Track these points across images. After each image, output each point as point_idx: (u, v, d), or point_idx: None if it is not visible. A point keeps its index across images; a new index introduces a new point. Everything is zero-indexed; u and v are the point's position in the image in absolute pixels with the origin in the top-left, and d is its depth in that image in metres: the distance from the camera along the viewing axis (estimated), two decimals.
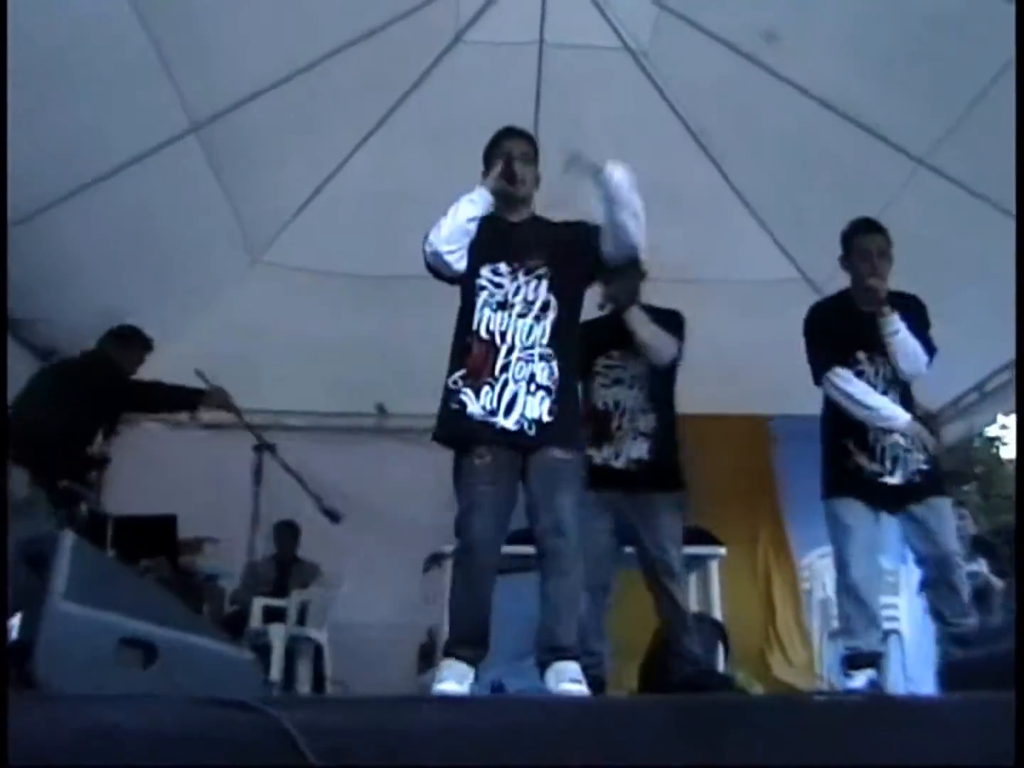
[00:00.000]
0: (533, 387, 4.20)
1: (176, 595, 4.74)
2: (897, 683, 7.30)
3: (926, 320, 5.64)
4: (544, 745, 2.25)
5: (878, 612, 5.31)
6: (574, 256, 4.42)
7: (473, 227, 4.36)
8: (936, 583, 5.19)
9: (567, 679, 3.93)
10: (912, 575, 8.14)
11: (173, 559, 7.14)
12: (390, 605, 8.19)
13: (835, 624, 7.37)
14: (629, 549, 5.69)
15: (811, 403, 7.24)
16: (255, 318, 8.15)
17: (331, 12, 5.96)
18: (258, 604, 7.55)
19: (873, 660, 5.21)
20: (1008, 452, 23.91)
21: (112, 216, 6.47)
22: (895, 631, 7.45)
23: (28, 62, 5.07)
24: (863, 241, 5.51)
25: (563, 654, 4.02)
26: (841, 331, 5.45)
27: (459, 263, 4.35)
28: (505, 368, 4.19)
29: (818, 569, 7.73)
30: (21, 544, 2.68)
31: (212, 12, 5.14)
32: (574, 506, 4.13)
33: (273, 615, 7.43)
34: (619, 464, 5.50)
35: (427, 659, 7.57)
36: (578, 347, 4.48)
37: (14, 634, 2.39)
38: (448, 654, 4.12)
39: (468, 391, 4.19)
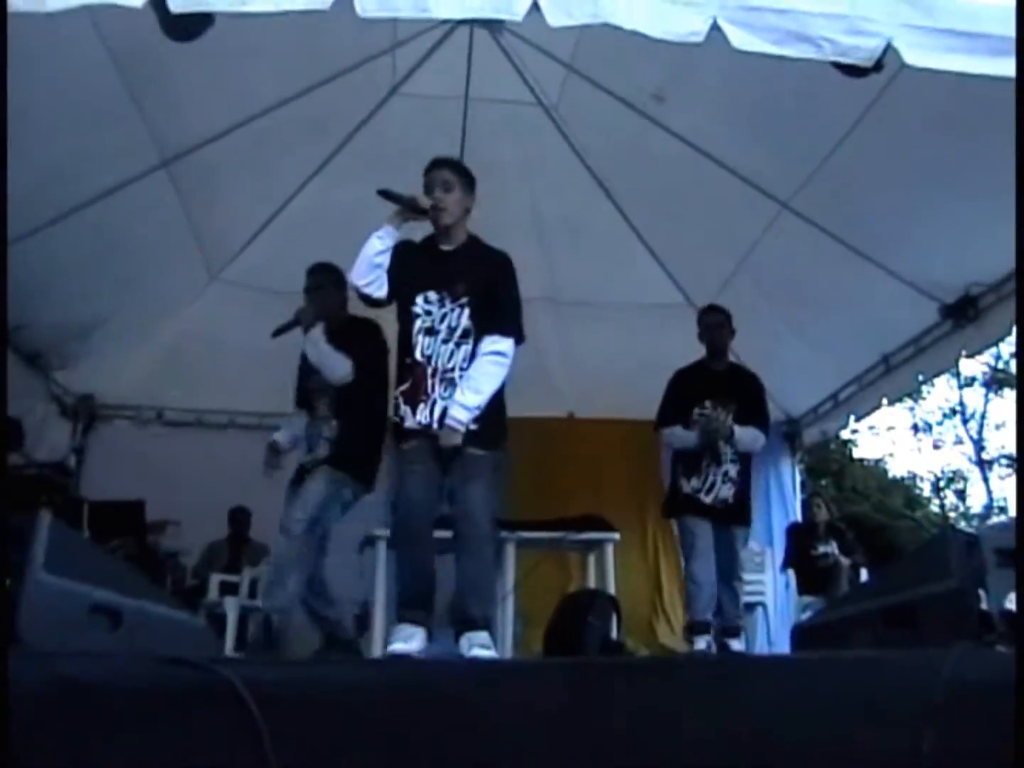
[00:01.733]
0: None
1: (142, 570, 4.74)
2: (763, 646, 7.44)
3: (762, 396, 6.33)
4: (463, 700, 2.29)
5: (713, 593, 5.86)
6: (492, 287, 4.32)
7: (384, 259, 4.24)
8: (727, 584, 5.90)
9: (477, 644, 3.96)
10: (776, 556, 8.34)
11: (141, 538, 7.10)
12: (330, 580, 8.14)
13: None
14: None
15: None
16: (212, 329, 8.12)
17: (285, 64, 5.94)
18: (215, 579, 7.56)
19: (707, 628, 5.83)
20: (858, 452, 24.49)
21: (89, 237, 6.39)
22: (761, 604, 7.59)
23: (18, 101, 5.02)
24: (707, 319, 6.35)
25: (475, 625, 4.04)
26: (690, 389, 6.21)
27: (379, 291, 4.27)
28: (433, 388, 4.19)
29: None
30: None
31: (179, 60, 5.07)
32: (484, 497, 4.11)
33: (228, 589, 7.42)
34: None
35: (361, 626, 7.56)
36: None
37: None
38: (399, 619, 4.12)
39: (407, 408, 4.22)
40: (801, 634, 3.91)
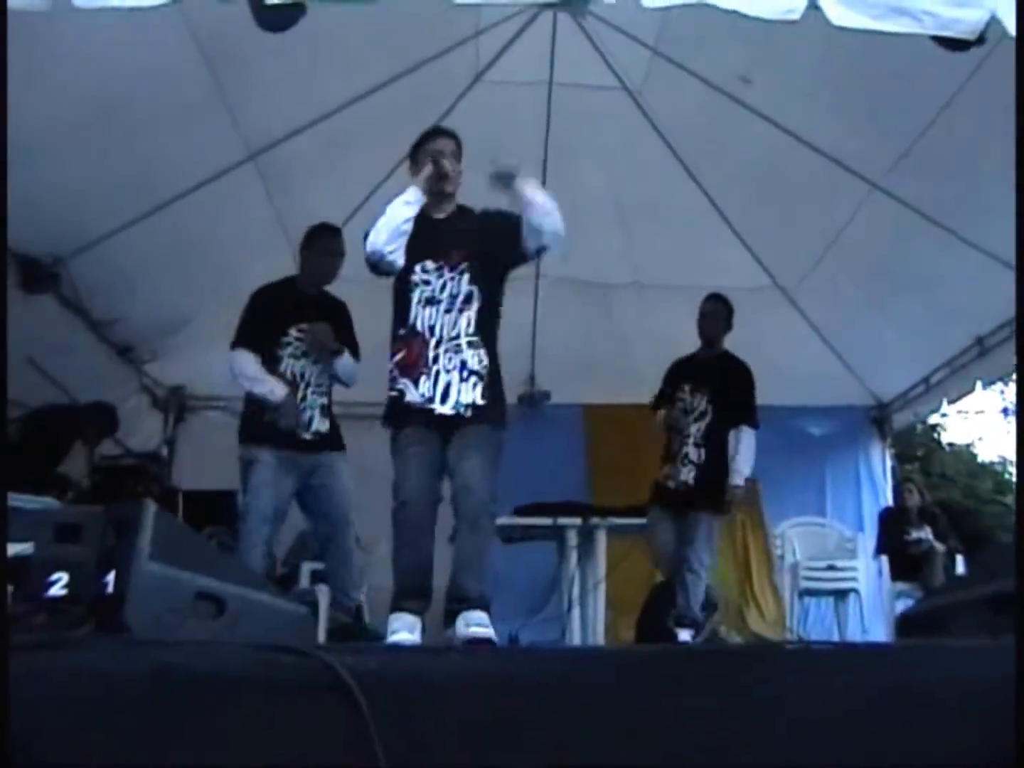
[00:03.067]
0: (465, 374, 4.07)
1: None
2: (856, 633, 7.33)
3: (747, 387, 6.22)
4: (562, 687, 2.27)
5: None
6: (494, 247, 4.23)
7: (409, 227, 4.13)
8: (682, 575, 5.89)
9: (475, 624, 3.79)
10: (868, 542, 8.21)
11: (233, 527, 7.18)
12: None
13: (803, 585, 7.42)
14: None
15: (788, 394, 7.28)
16: None
17: (368, 55, 5.95)
18: (306, 568, 7.59)
19: (695, 623, 5.85)
20: (946, 436, 23.99)
21: (179, 231, 6.49)
22: (854, 590, 7.48)
23: (109, 99, 5.10)
24: (704, 307, 6.42)
25: (471, 603, 3.85)
26: (678, 376, 6.39)
27: (400, 260, 4.14)
28: (436, 359, 4.05)
29: (788, 537, 7.76)
30: (105, 511, 2.69)
31: (264, 55, 5.12)
32: (484, 470, 3.96)
33: (319, 577, 7.45)
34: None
35: (451, 615, 7.60)
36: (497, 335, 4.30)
37: (108, 588, 2.42)
38: (396, 608, 3.97)
39: (406, 380, 4.08)
40: (906, 622, 3.83)
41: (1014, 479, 25.59)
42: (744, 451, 6.01)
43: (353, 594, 5.44)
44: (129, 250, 6.29)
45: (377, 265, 4.18)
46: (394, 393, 4.13)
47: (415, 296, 4.13)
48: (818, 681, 2.30)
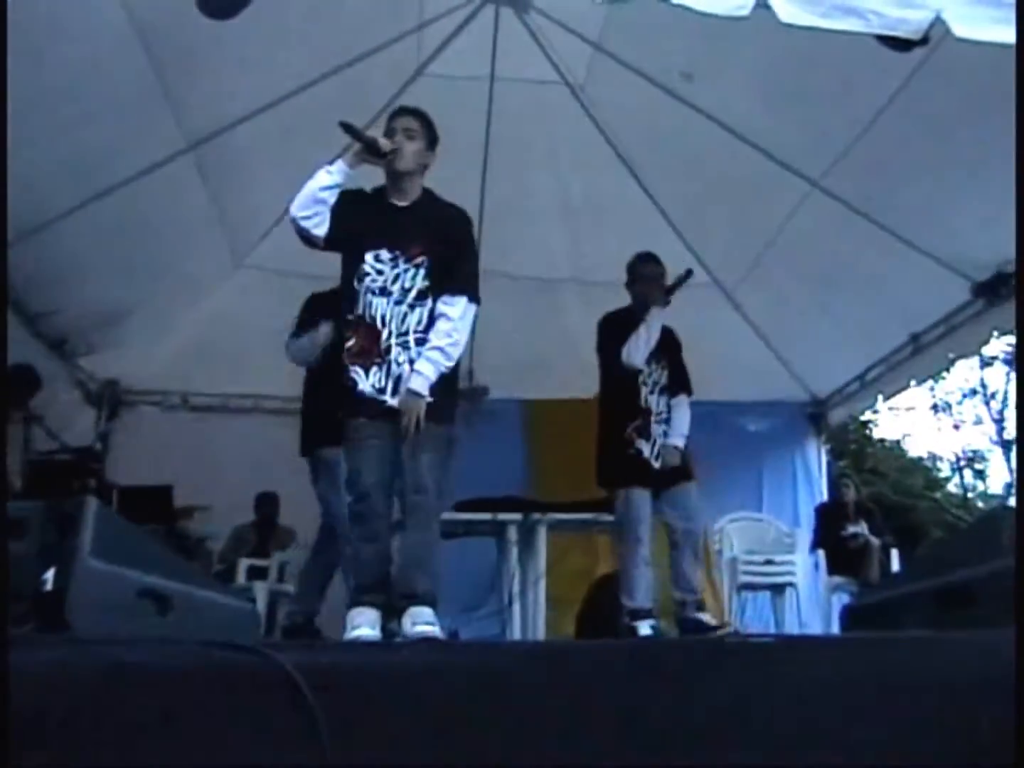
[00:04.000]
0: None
1: None
2: (793, 627, 7.41)
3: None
4: (510, 683, 2.27)
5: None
6: (450, 245, 4.09)
7: (329, 196, 3.93)
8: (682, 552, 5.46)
9: (422, 622, 3.72)
10: (804, 537, 8.30)
11: (170, 524, 7.10)
12: None
13: (741, 579, 7.48)
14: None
15: (726, 390, 7.32)
16: (237, 313, 8.07)
17: (310, 46, 5.90)
18: (243, 564, 7.54)
19: (650, 614, 5.39)
20: (877, 432, 24.38)
21: (116, 223, 6.38)
22: (791, 584, 7.55)
23: (43, 87, 5.00)
24: (645, 269, 5.72)
25: (418, 600, 3.79)
26: (624, 336, 5.52)
27: (317, 229, 3.94)
28: (388, 351, 3.97)
29: (728, 532, 7.81)
30: (46, 507, 2.63)
31: (206, 43, 5.05)
32: (433, 467, 3.89)
33: (256, 573, 7.41)
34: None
35: (398, 611, 7.57)
36: None
37: (48, 585, 2.37)
38: (357, 603, 3.89)
39: (358, 369, 3.99)
40: (852, 615, 3.88)
41: (943, 475, 26.15)
42: (685, 416, 5.67)
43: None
44: (66, 241, 6.18)
45: (299, 233, 4.02)
46: (347, 383, 4.01)
47: (364, 284, 4.02)
48: (769, 674, 2.32)
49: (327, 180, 3.95)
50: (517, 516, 5.99)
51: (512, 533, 6.02)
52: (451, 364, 3.99)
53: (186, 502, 7.54)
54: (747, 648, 2.78)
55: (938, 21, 3.17)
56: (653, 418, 5.43)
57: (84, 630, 2.35)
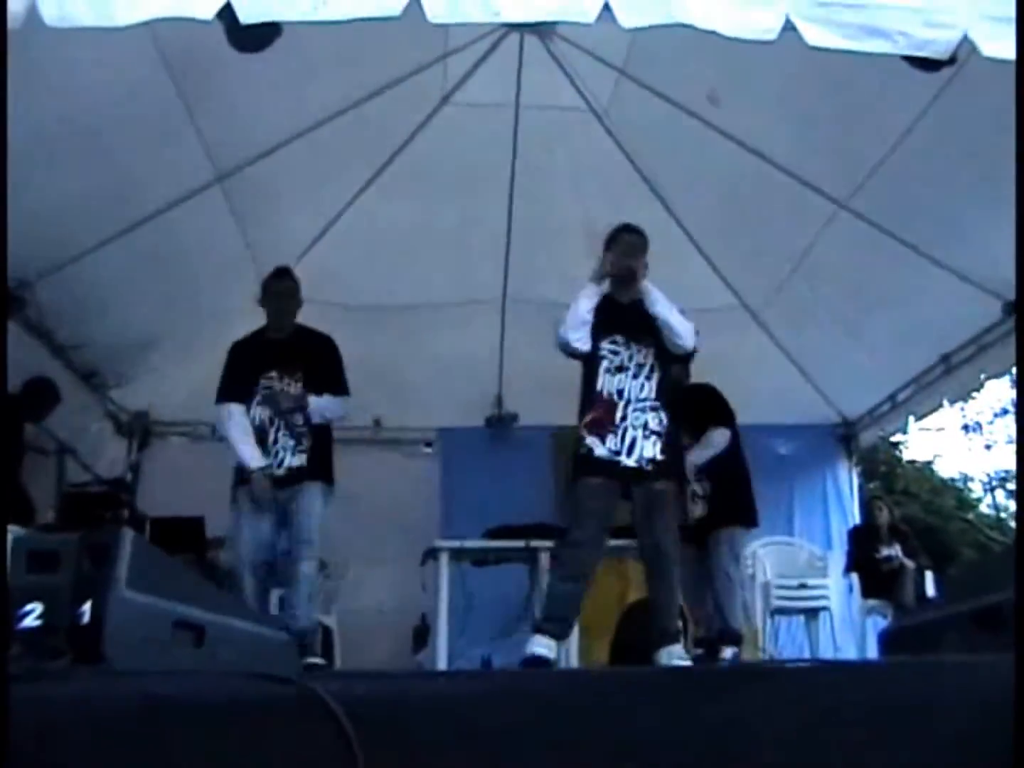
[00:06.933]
0: (647, 432, 4.70)
1: None
2: (827, 651, 7.35)
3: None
4: (540, 709, 2.25)
5: None
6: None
7: (591, 316, 4.79)
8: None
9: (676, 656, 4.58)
10: (837, 560, 8.24)
11: (201, 555, 7.11)
12: (388, 593, 8.15)
13: (775, 604, 7.42)
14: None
15: (755, 413, 7.27)
16: None
17: (336, 76, 5.94)
18: (275, 594, 7.52)
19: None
20: (908, 454, 24.14)
21: (144, 254, 6.43)
22: (825, 607, 7.49)
23: (72, 119, 5.05)
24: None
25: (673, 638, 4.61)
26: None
27: (585, 345, 4.81)
28: (624, 418, 4.69)
29: (760, 556, 7.75)
30: (81, 539, 2.64)
31: (234, 75, 5.09)
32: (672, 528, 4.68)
33: None
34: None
35: (420, 640, 7.56)
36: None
37: (85, 618, 2.37)
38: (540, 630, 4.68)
39: (594, 438, 4.72)
40: (889, 638, 3.83)
41: (975, 496, 25.89)
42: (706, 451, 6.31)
43: (299, 615, 5.29)
44: (96, 273, 6.23)
45: (566, 351, 4.89)
46: (583, 451, 4.79)
47: (602, 366, 4.82)
48: (810, 699, 2.30)
49: (588, 304, 4.82)
50: (549, 543, 5.98)
51: (544, 560, 6.01)
52: None
53: (217, 533, 7.55)
54: (785, 673, 2.75)
55: (965, 40, 3.15)
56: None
57: (120, 662, 2.34)
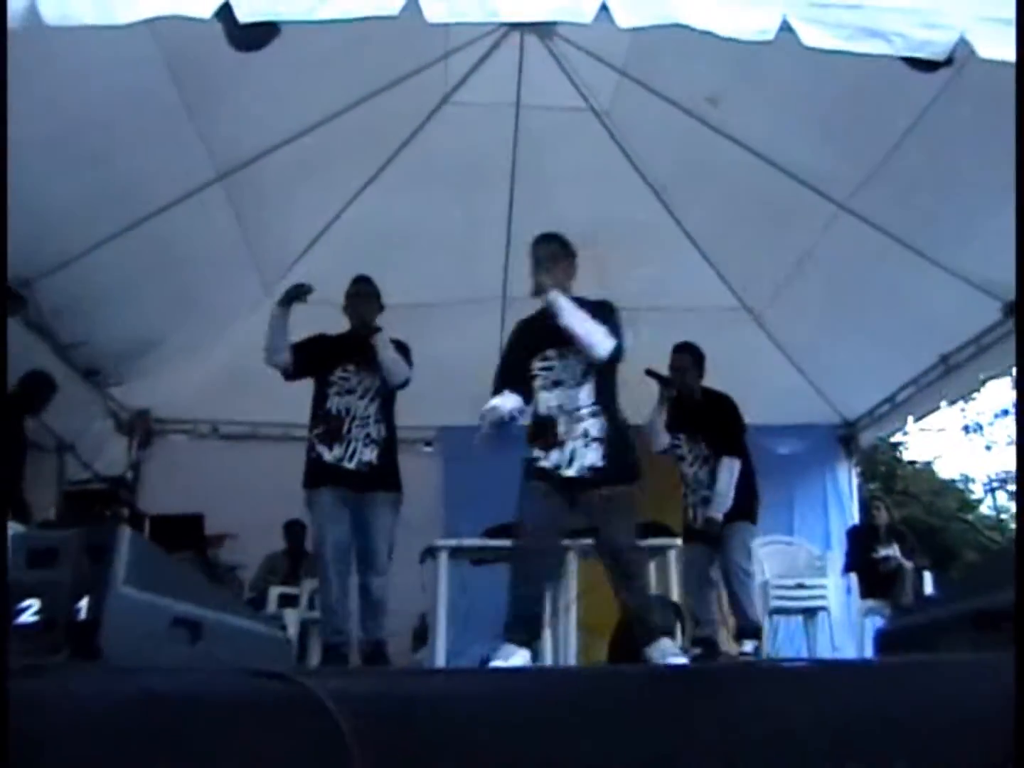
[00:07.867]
0: (588, 440, 4.59)
1: None
2: (825, 651, 7.35)
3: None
4: (539, 707, 2.25)
5: None
6: None
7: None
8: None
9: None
10: (836, 560, 8.23)
11: (201, 552, 7.13)
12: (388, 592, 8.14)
13: (773, 603, 7.42)
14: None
15: (755, 413, 7.27)
16: None
17: (337, 75, 5.93)
18: (274, 592, 7.57)
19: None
20: (908, 454, 24.12)
21: (146, 253, 6.43)
22: (823, 608, 7.49)
23: (74, 118, 5.06)
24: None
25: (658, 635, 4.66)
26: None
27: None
28: (567, 432, 4.59)
29: (760, 556, 7.74)
30: (79, 536, 2.65)
31: (234, 75, 5.10)
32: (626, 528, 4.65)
33: (287, 601, 7.43)
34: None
35: (420, 639, 7.56)
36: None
37: (83, 614, 2.38)
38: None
39: (540, 452, 4.65)
40: (886, 638, 3.84)
41: (975, 497, 25.86)
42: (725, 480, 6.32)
43: (375, 627, 5.56)
44: (97, 272, 6.23)
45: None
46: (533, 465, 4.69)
47: (538, 383, 4.75)
48: (802, 698, 2.30)
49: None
50: None
51: None
52: None
53: (216, 530, 7.57)
54: (782, 672, 2.76)
55: (962, 42, 3.16)
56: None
57: (118, 658, 2.35)
